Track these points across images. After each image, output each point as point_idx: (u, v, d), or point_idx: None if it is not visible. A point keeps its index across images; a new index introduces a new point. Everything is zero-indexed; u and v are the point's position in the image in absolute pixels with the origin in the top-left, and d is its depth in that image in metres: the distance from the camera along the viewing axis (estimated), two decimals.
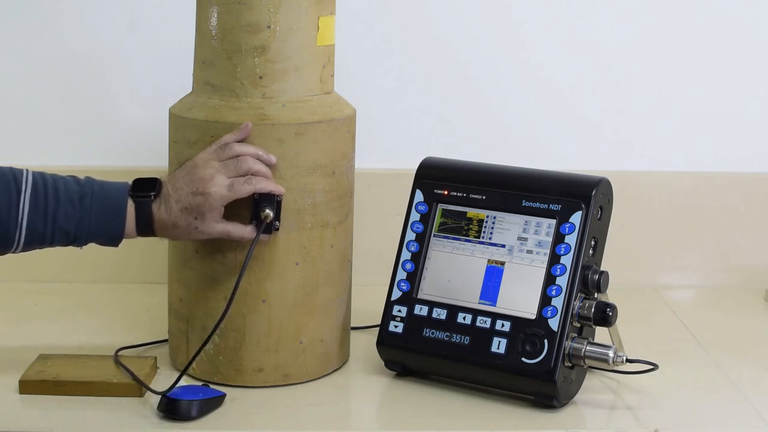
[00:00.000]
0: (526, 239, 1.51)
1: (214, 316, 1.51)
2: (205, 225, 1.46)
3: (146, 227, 1.46)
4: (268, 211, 1.47)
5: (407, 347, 1.54)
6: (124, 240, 1.46)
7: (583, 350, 1.47)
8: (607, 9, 1.98)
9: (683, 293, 2.00)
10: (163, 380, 1.50)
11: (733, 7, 1.98)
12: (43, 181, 1.42)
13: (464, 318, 1.51)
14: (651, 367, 1.54)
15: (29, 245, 1.43)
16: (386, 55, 1.97)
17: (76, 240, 1.44)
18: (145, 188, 1.46)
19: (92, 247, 1.59)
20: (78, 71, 1.95)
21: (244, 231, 1.48)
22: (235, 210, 1.47)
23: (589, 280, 1.49)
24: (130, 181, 1.47)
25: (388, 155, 1.98)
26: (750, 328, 1.83)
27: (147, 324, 1.76)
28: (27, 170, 1.43)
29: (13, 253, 1.44)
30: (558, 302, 1.47)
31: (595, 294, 1.51)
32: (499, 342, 1.48)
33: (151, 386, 1.49)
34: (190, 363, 1.50)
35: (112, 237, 1.45)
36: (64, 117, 1.97)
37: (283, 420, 1.45)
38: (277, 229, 1.49)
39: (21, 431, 1.40)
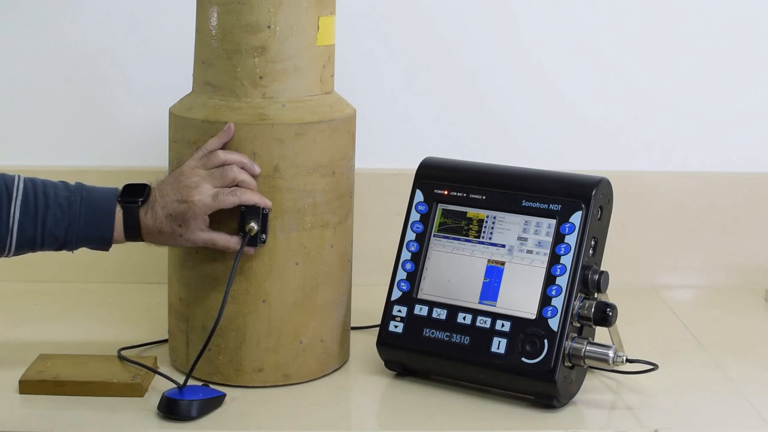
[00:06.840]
0: (526, 239, 1.51)
1: (214, 316, 1.51)
2: (189, 233, 1.47)
3: (133, 232, 1.47)
4: (253, 224, 1.47)
5: (407, 347, 1.54)
6: (115, 245, 1.48)
7: (583, 350, 1.47)
8: (607, 9, 1.98)
9: (683, 293, 2.00)
10: (164, 379, 1.50)
11: (733, 7, 1.98)
12: (33, 187, 1.44)
13: (464, 318, 1.51)
14: (651, 367, 1.54)
15: (20, 249, 1.45)
16: (386, 55, 1.97)
17: (66, 244, 1.46)
18: (134, 194, 1.47)
19: None
20: (78, 71, 1.95)
21: (229, 241, 1.48)
22: (222, 220, 1.48)
23: (589, 280, 1.49)
24: (120, 187, 1.48)
25: (388, 155, 1.98)
26: (750, 328, 1.83)
27: (147, 324, 1.76)
28: (19, 176, 1.45)
29: (5, 257, 1.46)
30: (558, 302, 1.47)
31: (595, 294, 1.51)
32: (499, 342, 1.48)
33: (151, 386, 1.49)
34: (194, 366, 1.49)
35: (101, 241, 1.47)
36: (64, 117, 1.96)
37: (283, 420, 1.45)
38: (264, 242, 1.49)
39: (21, 431, 1.40)
